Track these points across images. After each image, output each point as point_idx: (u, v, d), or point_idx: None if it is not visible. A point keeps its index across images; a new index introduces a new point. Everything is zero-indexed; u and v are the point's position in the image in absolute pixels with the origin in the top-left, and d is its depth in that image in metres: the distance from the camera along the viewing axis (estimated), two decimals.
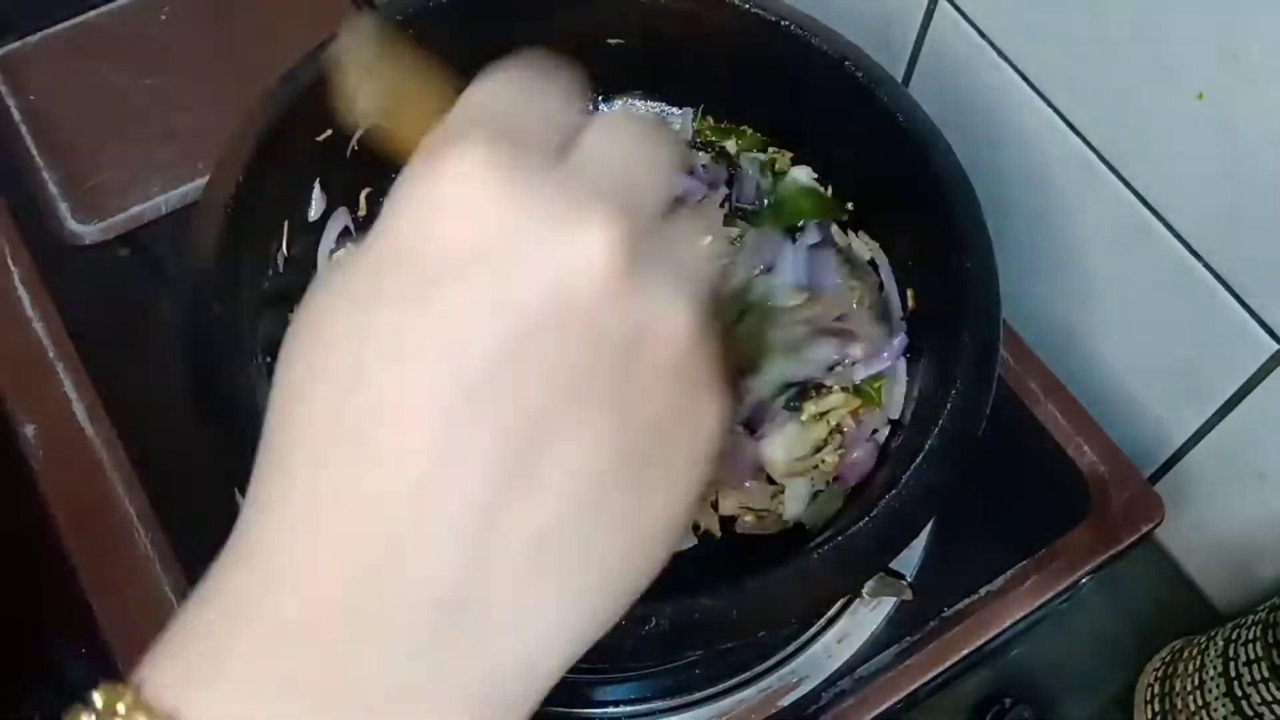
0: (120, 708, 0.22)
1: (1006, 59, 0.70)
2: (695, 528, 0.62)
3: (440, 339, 0.23)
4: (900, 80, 0.75)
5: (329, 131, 0.63)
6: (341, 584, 0.23)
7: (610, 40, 0.72)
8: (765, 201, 0.73)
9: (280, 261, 0.63)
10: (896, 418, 0.65)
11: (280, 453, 0.24)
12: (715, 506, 0.63)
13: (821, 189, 0.73)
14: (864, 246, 0.71)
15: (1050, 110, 0.68)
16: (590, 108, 0.27)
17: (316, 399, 0.24)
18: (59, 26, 0.84)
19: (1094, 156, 0.67)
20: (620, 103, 0.77)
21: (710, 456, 0.26)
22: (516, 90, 0.26)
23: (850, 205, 0.72)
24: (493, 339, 0.23)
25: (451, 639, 0.23)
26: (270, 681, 0.22)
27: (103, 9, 0.85)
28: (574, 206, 0.23)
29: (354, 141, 0.67)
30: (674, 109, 0.76)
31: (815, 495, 0.63)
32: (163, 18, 0.85)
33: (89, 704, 0.23)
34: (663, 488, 0.25)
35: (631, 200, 0.24)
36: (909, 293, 0.68)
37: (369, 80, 0.26)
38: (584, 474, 0.23)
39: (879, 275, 0.70)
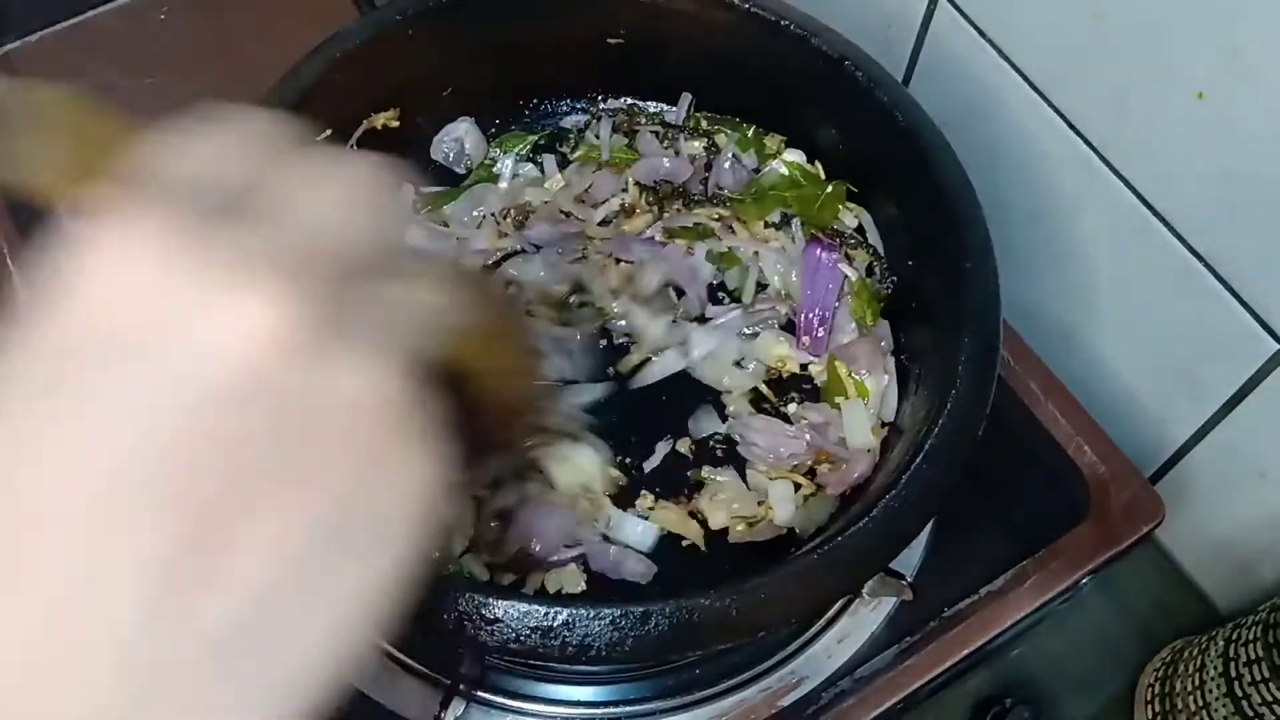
0: None
1: (1007, 59, 0.69)
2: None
3: (82, 437, 0.21)
4: (900, 80, 0.75)
5: (328, 132, 0.63)
6: None
7: (610, 40, 0.72)
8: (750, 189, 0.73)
9: None
10: (891, 419, 0.65)
11: None
12: (701, 520, 0.62)
13: (811, 169, 0.73)
14: (850, 215, 0.71)
15: (1050, 110, 0.68)
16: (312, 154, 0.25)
17: None
18: (59, 26, 0.84)
19: (1094, 156, 0.67)
20: (619, 101, 0.77)
21: (419, 520, 0.24)
22: (200, 142, 0.24)
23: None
24: (139, 432, 0.21)
25: None
26: None
27: (102, 9, 0.85)
28: (244, 274, 0.21)
29: (353, 141, 0.67)
30: (671, 107, 0.76)
31: (806, 499, 0.63)
32: (162, 17, 0.85)
33: None
34: (363, 560, 0.23)
35: (319, 260, 0.23)
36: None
37: (35, 130, 0.23)
38: (265, 560, 0.21)
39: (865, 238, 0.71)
